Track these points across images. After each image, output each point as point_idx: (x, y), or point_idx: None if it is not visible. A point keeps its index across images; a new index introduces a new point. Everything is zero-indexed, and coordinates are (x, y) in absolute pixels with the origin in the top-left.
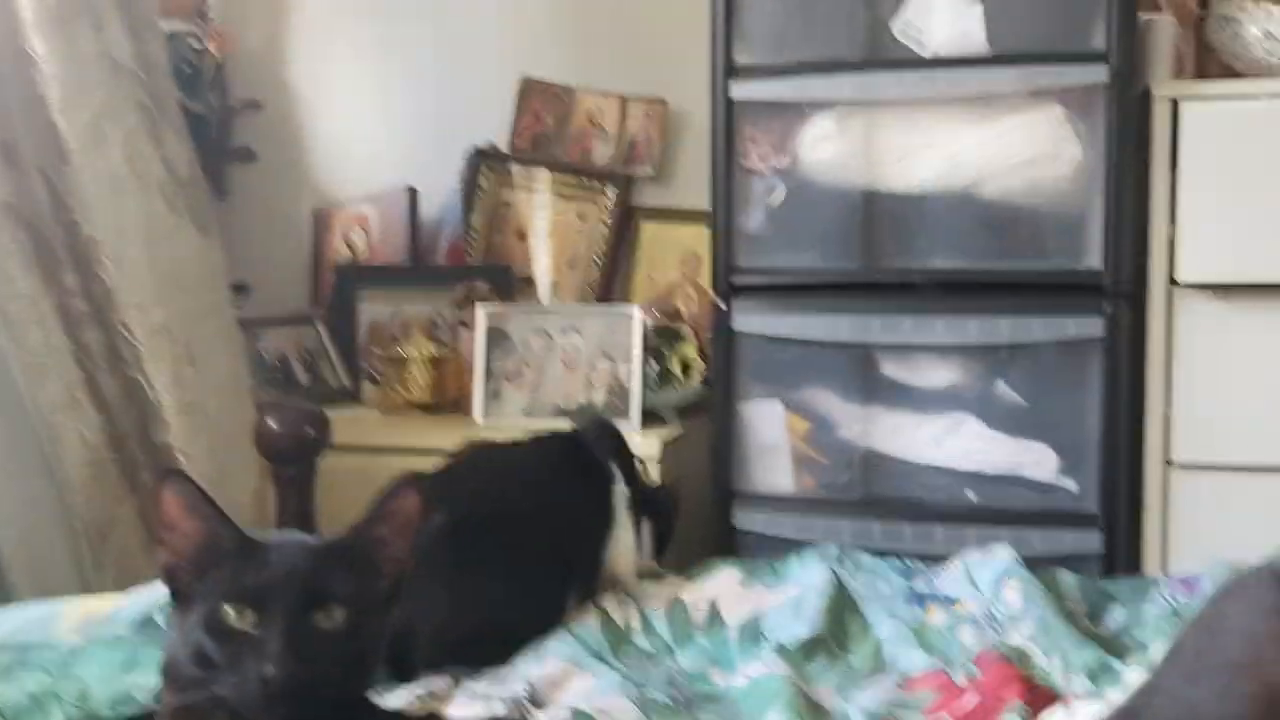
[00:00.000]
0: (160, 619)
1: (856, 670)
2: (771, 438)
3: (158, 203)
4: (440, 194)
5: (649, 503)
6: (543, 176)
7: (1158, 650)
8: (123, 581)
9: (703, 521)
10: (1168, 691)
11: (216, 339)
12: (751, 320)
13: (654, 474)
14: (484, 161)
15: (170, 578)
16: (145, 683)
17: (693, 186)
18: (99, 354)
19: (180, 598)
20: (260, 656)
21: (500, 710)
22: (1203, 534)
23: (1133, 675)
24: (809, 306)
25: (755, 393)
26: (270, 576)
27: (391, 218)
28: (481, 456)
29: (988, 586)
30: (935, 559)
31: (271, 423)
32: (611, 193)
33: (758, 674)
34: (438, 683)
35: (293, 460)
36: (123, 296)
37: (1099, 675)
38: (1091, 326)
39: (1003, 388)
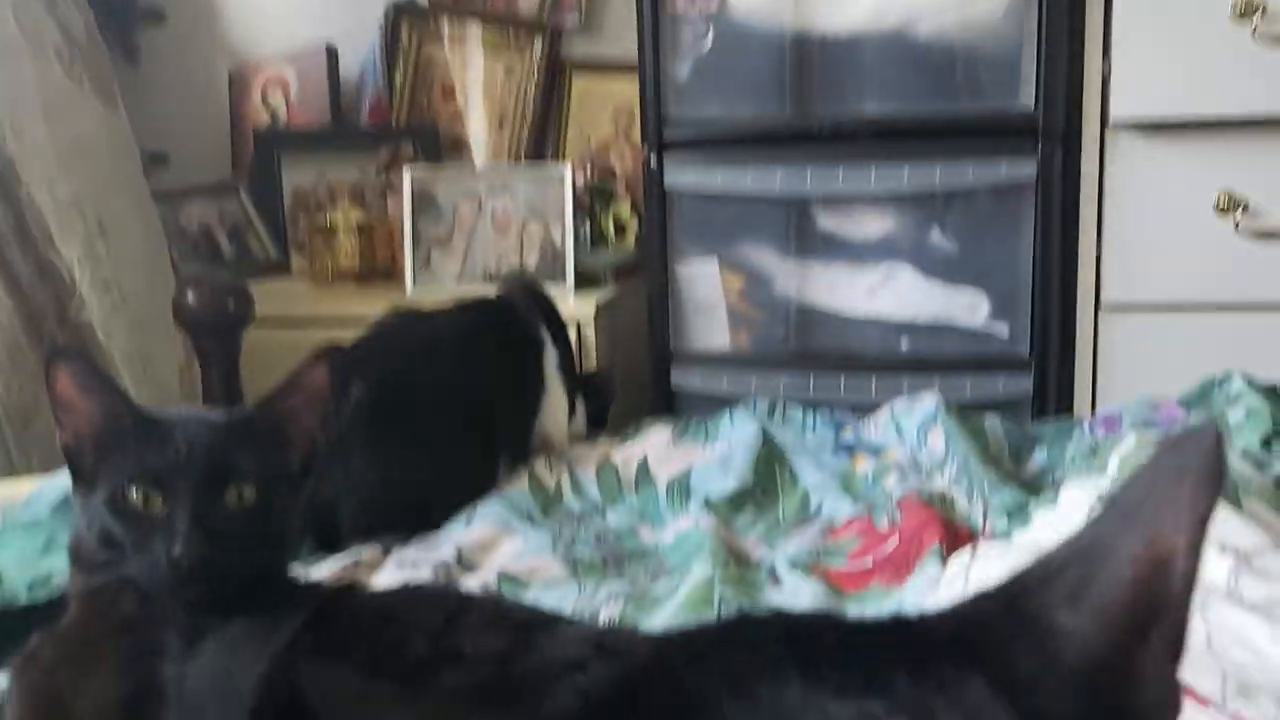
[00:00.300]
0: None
1: (783, 520)
2: (707, 296)
3: (54, 70)
4: (360, 51)
5: (587, 386)
6: (467, 29)
7: (1062, 490)
8: (49, 467)
9: (639, 383)
10: (1088, 525)
11: (130, 212)
12: (684, 176)
13: (589, 336)
14: (404, 15)
15: (71, 458)
16: (62, 566)
17: (624, 36)
18: (7, 231)
19: (83, 478)
20: (168, 538)
21: (427, 576)
22: (1132, 374)
23: (1039, 516)
24: (741, 159)
25: (690, 251)
26: (174, 455)
27: (311, 78)
28: (404, 324)
29: (913, 434)
30: (869, 410)
31: (190, 297)
32: (539, 45)
33: (685, 528)
34: (366, 551)
35: (214, 335)
36: (25, 170)
37: (1016, 515)
38: (1025, 168)
39: (936, 235)
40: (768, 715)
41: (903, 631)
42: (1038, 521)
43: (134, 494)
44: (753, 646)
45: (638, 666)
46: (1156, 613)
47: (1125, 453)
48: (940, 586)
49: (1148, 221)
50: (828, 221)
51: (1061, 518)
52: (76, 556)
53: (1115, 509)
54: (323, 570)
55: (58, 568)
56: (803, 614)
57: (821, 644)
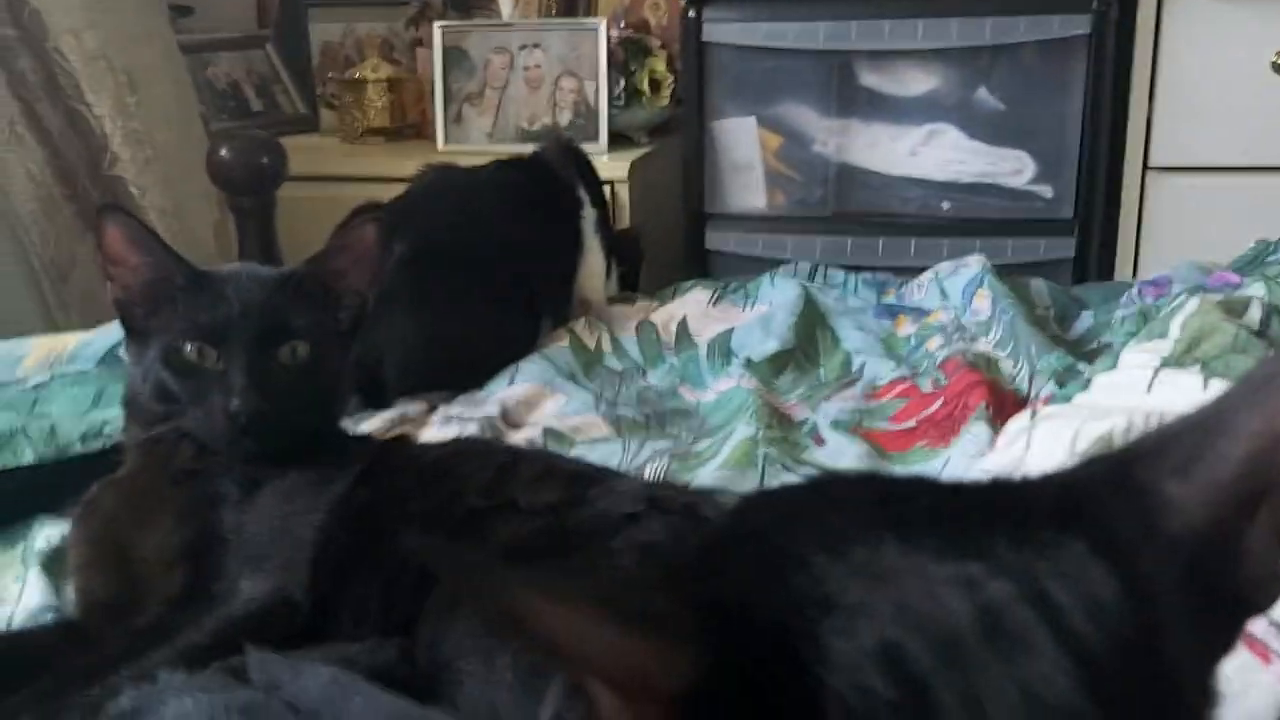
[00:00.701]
0: (124, 354)
1: (824, 382)
2: (744, 155)
3: None
4: None
5: (616, 247)
6: None
7: (1122, 354)
8: (89, 321)
9: (673, 244)
10: (1210, 400)
11: (159, 65)
12: (723, 29)
13: (622, 195)
14: None
15: (123, 313)
16: (113, 417)
17: None
18: (36, 84)
19: (135, 333)
20: (224, 393)
21: (473, 432)
22: (1176, 239)
23: (1100, 378)
24: (784, 12)
25: (727, 109)
26: (227, 312)
27: None
28: (443, 182)
29: (958, 296)
30: (908, 273)
31: (225, 153)
32: None
33: (726, 388)
34: (412, 407)
35: (249, 191)
36: (52, 21)
37: (1065, 379)
38: (1078, 25)
39: (983, 94)
40: (864, 575)
41: (1002, 495)
42: (1098, 384)
43: (189, 349)
44: (844, 507)
45: (718, 524)
46: (1266, 491)
47: (1188, 316)
48: (996, 449)
49: (1202, 82)
50: (871, 78)
51: (1123, 381)
52: (132, 409)
53: (1238, 387)
54: (370, 425)
55: (109, 419)
56: (895, 476)
57: (917, 506)
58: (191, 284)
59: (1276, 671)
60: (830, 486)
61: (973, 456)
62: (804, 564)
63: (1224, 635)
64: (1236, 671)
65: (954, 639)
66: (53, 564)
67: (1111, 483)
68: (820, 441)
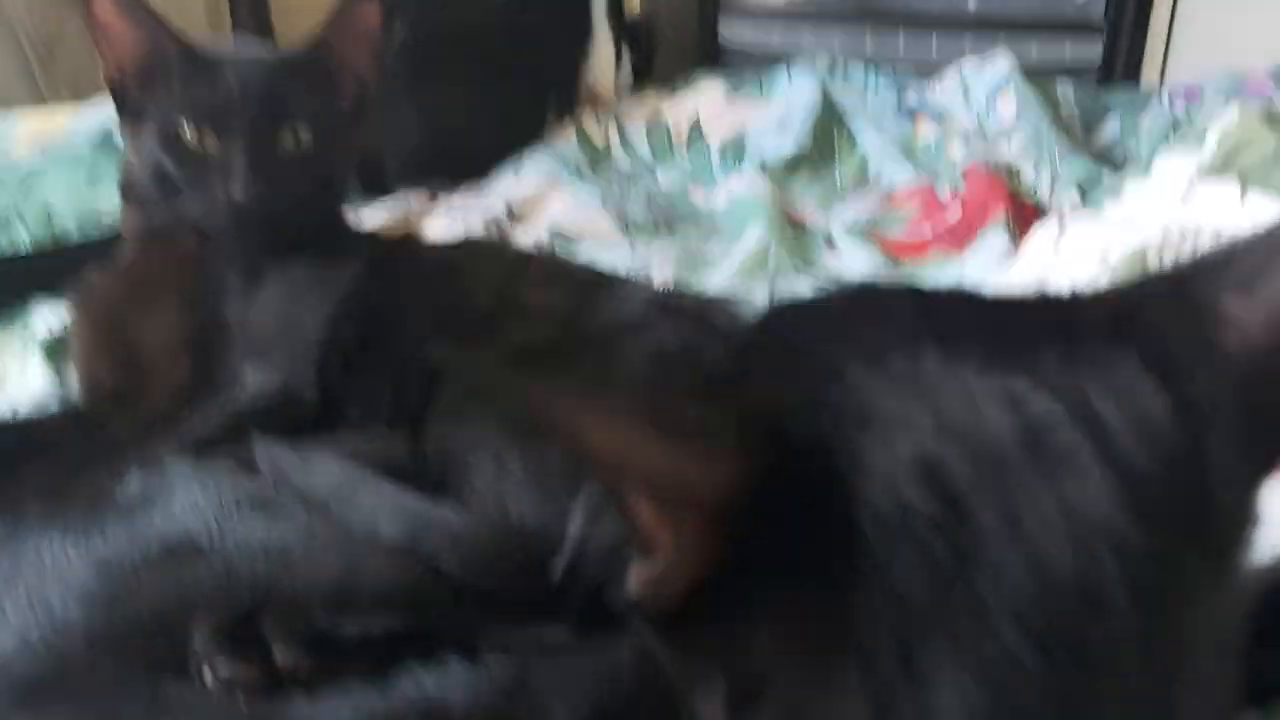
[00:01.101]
0: (119, 138)
1: (840, 187)
2: None
3: None
4: None
5: (626, 35)
6: None
7: (1156, 163)
8: (75, 91)
9: (685, 37)
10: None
11: None
12: None
13: None
14: None
15: (116, 91)
16: (109, 203)
17: None
18: None
19: (129, 113)
20: (225, 179)
21: (477, 227)
22: (1206, 46)
23: (1132, 188)
24: None
25: None
26: (227, 94)
27: None
28: None
29: (982, 98)
30: (929, 71)
31: None
32: None
33: (739, 192)
34: (414, 198)
35: None
36: None
37: (1089, 188)
38: None
39: None
40: (903, 387)
41: (1052, 308)
42: (1130, 193)
43: (187, 132)
44: (881, 317)
45: (745, 333)
46: None
47: (1227, 127)
48: (1021, 258)
49: None
50: None
51: (1157, 190)
52: (129, 193)
53: None
54: (371, 215)
55: (105, 203)
56: (936, 288)
57: (960, 317)
58: (187, 62)
59: None
60: (865, 296)
61: (992, 266)
62: (841, 375)
63: (1269, 456)
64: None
65: (995, 455)
66: (55, 351)
67: (1169, 298)
68: (833, 248)
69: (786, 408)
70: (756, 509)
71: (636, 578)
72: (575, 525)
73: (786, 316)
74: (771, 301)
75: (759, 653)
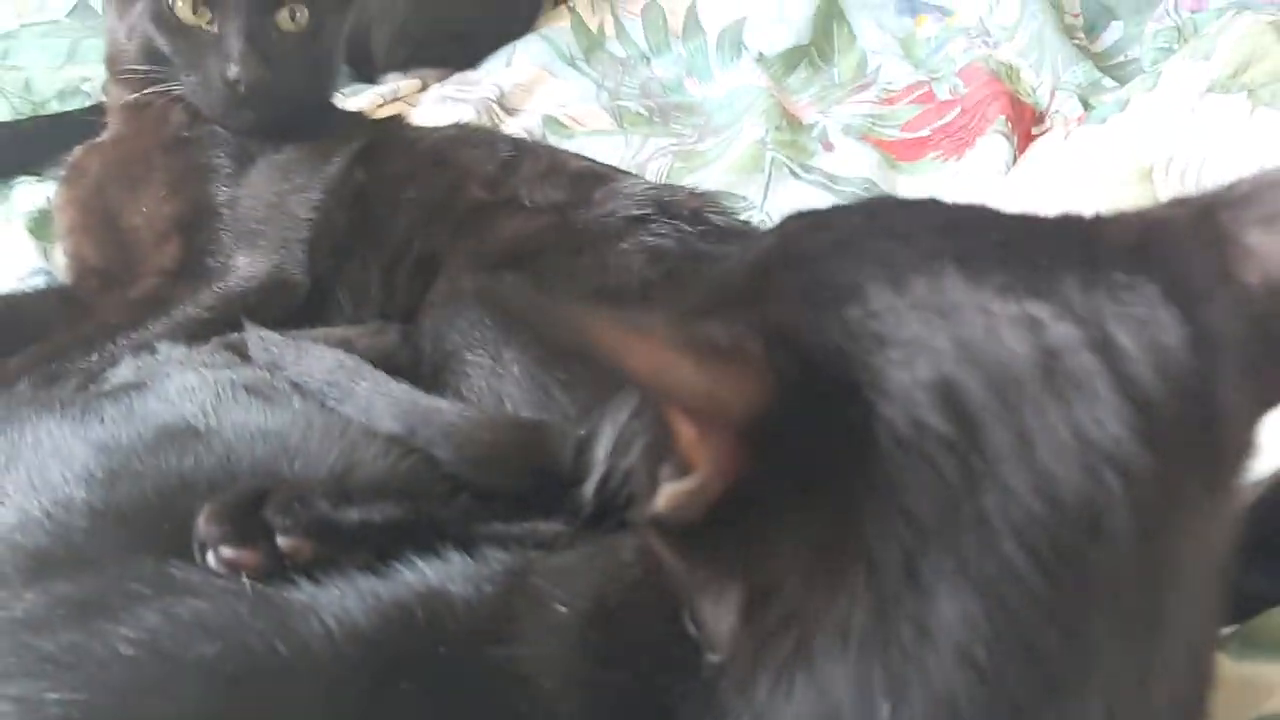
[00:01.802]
0: (98, 4)
1: (838, 83)
2: None
3: None
4: None
5: None
6: None
7: (1163, 73)
8: None
9: None
10: None
11: None
12: None
13: None
14: None
15: None
16: (90, 74)
17: None
18: None
19: None
20: (222, 56)
21: (469, 115)
22: None
23: (1139, 99)
24: None
25: None
26: None
27: None
28: None
29: None
30: None
31: None
32: None
33: (735, 84)
34: (404, 84)
35: None
36: None
37: (1089, 94)
38: None
39: None
40: (923, 308)
41: (1075, 231)
42: (1136, 105)
43: (181, 6)
44: (904, 235)
45: (764, 244)
46: None
47: (1239, 37)
48: (1022, 166)
49: None
50: None
51: (1164, 102)
52: (114, 69)
53: None
54: (360, 101)
55: (86, 76)
56: (957, 204)
57: (982, 238)
58: None
59: None
60: (888, 211)
61: (988, 172)
62: (862, 293)
63: (1275, 390)
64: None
65: (1012, 379)
66: (40, 227)
67: (1193, 227)
68: (829, 147)
69: (808, 325)
70: (782, 421)
71: (668, 495)
72: (603, 452)
73: (803, 227)
74: (766, 195)
75: (776, 562)
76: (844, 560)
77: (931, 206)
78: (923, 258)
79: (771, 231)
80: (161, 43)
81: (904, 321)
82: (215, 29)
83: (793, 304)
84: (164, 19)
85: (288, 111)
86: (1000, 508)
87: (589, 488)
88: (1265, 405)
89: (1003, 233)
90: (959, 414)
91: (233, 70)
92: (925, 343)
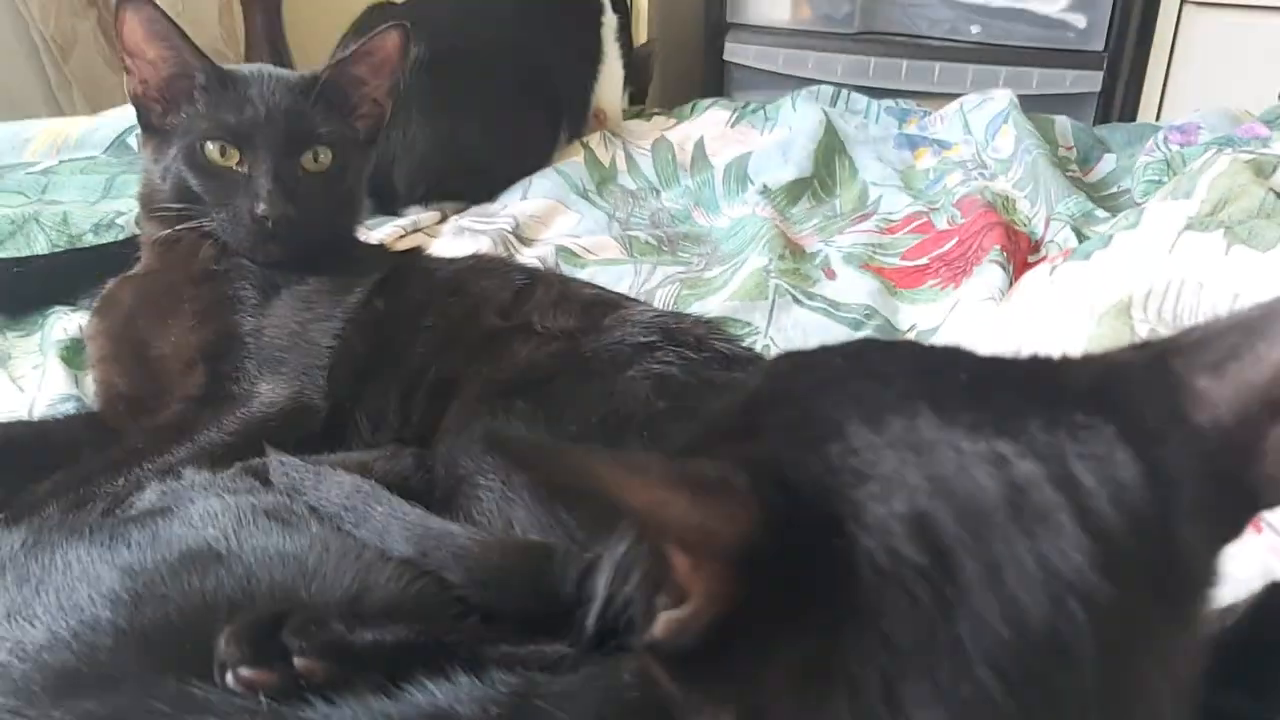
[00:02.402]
0: (134, 143)
1: (840, 213)
2: None
3: None
4: None
5: (628, 63)
6: None
7: (1146, 211)
8: (90, 99)
9: (691, 56)
10: (1263, 301)
11: None
12: None
13: (640, 3)
14: None
15: (140, 108)
16: (125, 209)
17: None
18: None
19: (153, 129)
20: (251, 195)
21: (486, 246)
22: (1205, 79)
23: (1121, 236)
24: None
25: None
26: (253, 114)
27: None
28: None
29: (981, 130)
30: (931, 99)
31: None
32: None
33: (741, 214)
34: (425, 216)
35: None
36: None
37: (1083, 225)
38: None
39: None
40: (900, 446)
41: (1040, 373)
42: (1119, 242)
43: (212, 149)
44: (882, 376)
45: (752, 381)
46: None
47: (1217, 175)
48: (1011, 300)
49: None
50: None
51: (1145, 239)
52: (148, 206)
53: None
54: (382, 233)
55: (120, 210)
56: (933, 346)
57: (954, 379)
58: (214, 82)
59: (1268, 541)
60: (869, 353)
61: (984, 300)
62: (842, 431)
63: (1232, 523)
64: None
65: (982, 513)
66: (72, 355)
67: (1148, 371)
68: (831, 275)
69: (792, 460)
70: (768, 554)
71: (664, 623)
72: (603, 582)
73: (791, 367)
74: (770, 320)
75: (765, 685)
76: (827, 683)
77: (909, 349)
78: (899, 398)
79: (761, 371)
80: (194, 182)
81: (881, 458)
82: (245, 170)
83: (779, 441)
84: (196, 161)
85: (312, 245)
86: (972, 634)
87: (590, 617)
88: (1222, 539)
89: (973, 374)
90: (932, 545)
91: (261, 207)
92: (901, 478)
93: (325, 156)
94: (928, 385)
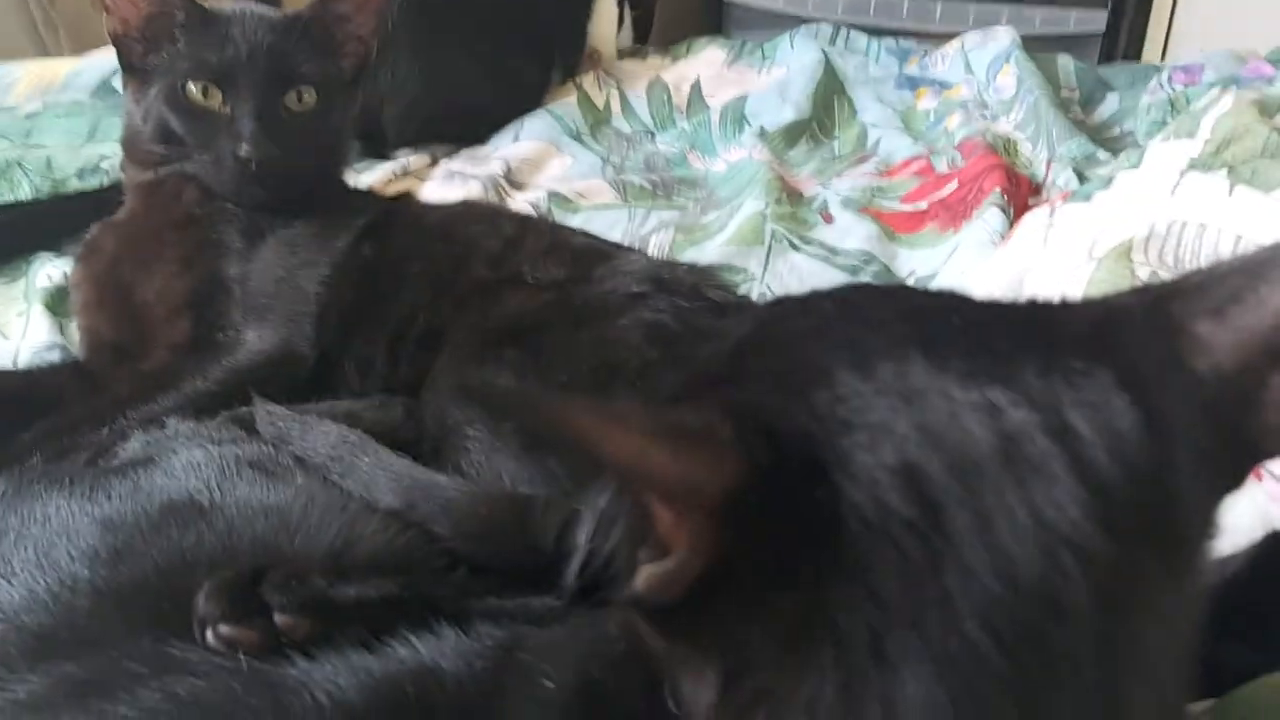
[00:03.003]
0: (118, 85)
1: (838, 156)
2: None
3: None
4: None
5: None
6: None
7: (1148, 152)
8: (76, 40)
9: None
10: (1266, 245)
11: None
12: None
13: None
14: None
15: (120, 48)
16: (109, 152)
17: None
18: None
19: (133, 70)
20: (233, 136)
21: (477, 190)
22: (1209, 22)
23: (1122, 176)
24: None
25: None
26: (235, 53)
27: None
28: None
29: (983, 70)
30: (931, 39)
31: None
32: None
33: (737, 158)
34: (415, 159)
35: None
36: None
37: (1084, 167)
38: None
39: None
40: (889, 394)
41: (1037, 318)
42: (1120, 182)
43: (194, 89)
44: (874, 322)
45: (744, 326)
46: None
47: (1220, 115)
48: (1010, 244)
49: None
50: None
51: (1147, 180)
52: (130, 149)
53: None
54: (372, 177)
55: (105, 154)
56: (928, 290)
57: (948, 325)
58: (195, 21)
59: (1268, 488)
60: (861, 298)
61: (984, 244)
62: (830, 379)
63: (1232, 474)
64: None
65: (973, 463)
66: (56, 302)
67: (1147, 316)
68: (829, 219)
69: (779, 408)
70: (754, 502)
71: (646, 577)
72: (584, 535)
73: (786, 315)
74: (767, 266)
75: (750, 640)
76: (813, 639)
77: (903, 294)
78: (890, 344)
79: (752, 316)
80: (176, 124)
81: (870, 406)
82: (227, 110)
83: (767, 387)
84: (178, 101)
85: (296, 188)
86: (962, 588)
87: (570, 572)
88: (1222, 489)
89: (968, 320)
90: (921, 497)
91: (244, 149)
92: (889, 427)
93: (309, 97)
94: (920, 331)
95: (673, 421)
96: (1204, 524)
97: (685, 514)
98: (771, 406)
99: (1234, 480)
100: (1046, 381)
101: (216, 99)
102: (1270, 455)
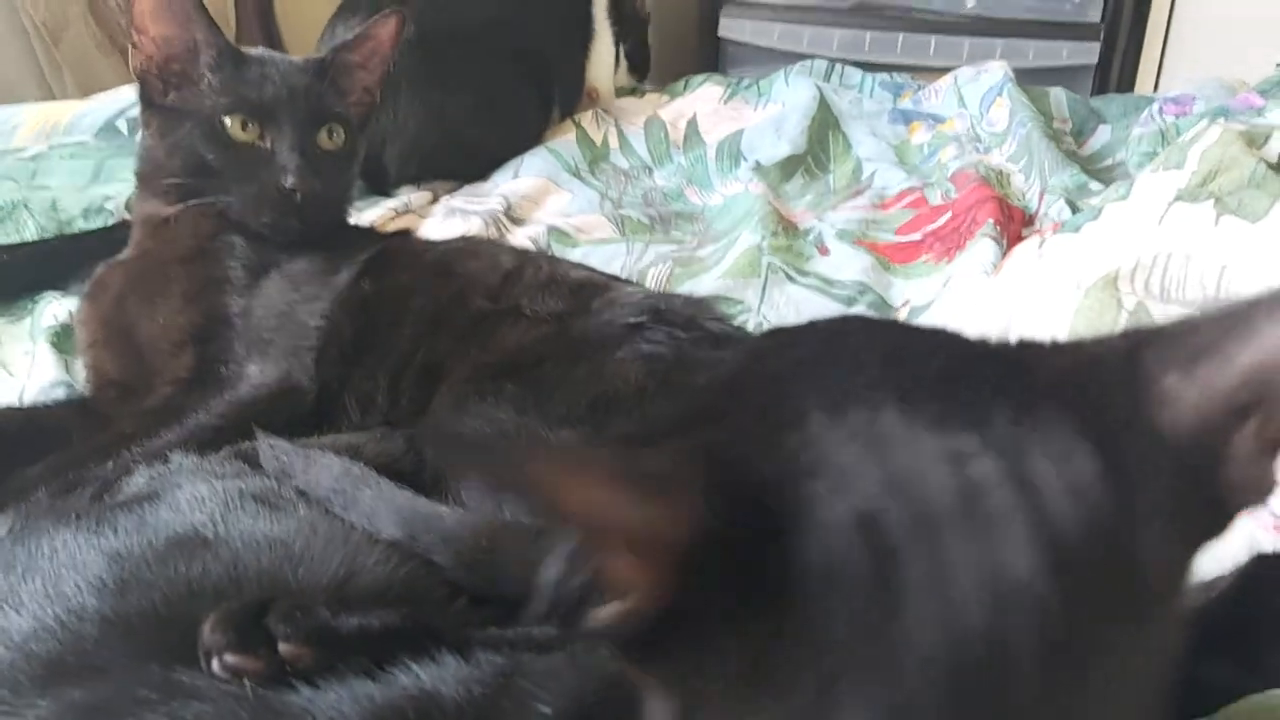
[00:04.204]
0: (124, 126)
1: (834, 189)
2: None
3: None
4: None
5: (620, 24)
6: None
7: (1136, 183)
8: (82, 83)
9: (686, 32)
10: (1245, 297)
11: None
12: None
13: None
14: None
15: (144, 84)
16: (113, 193)
17: None
18: None
19: (156, 105)
20: (276, 170)
21: (477, 226)
22: (1201, 54)
23: (1111, 208)
24: None
25: None
26: (274, 90)
27: None
28: None
29: (976, 104)
30: (926, 73)
31: None
32: None
33: (734, 192)
34: (416, 197)
35: None
36: None
37: (1076, 198)
38: None
39: None
40: (856, 440)
41: (1019, 361)
42: (1109, 214)
43: (231, 124)
44: (854, 363)
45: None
46: (1262, 402)
47: (1207, 146)
48: (1000, 274)
49: None
50: None
51: (1135, 211)
52: (150, 183)
53: (1270, 292)
54: (373, 214)
55: (109, 195)
56: (916, 328)
57: (927, 367)
58: (227, 59)
59: (1258, 518)
60: (847, 334)
61: (977, 275)
62: (803, 421)
63: (1208, 524)
64: None
65: (931, 514)
66: (62, 340)
67: (1121, 364)
68: (825, 251)
69: (748, 454)
70: (714, 550)
71: (606, 613)
72: (552, 573)
73: (773, 346)
74: (763, 298)
75: (704, 677)
76: (763, 682)
77: (890, 331)
78: (866, 387)
79: (746, 347)
80: (211, 158)
81: (837, 452)
82: (266, 144)
83: (743, 426)
84: (215, 135)
85: (328, 221)
86: (911, 640)
87: (533, 611)
88: (1196, 539)
89: (948, 361)
90: (878, 547)
91: (290, 180)
92: (854, 474)
93: (339, 135)
94: (898, 373)
95: (638, 468)
96: (1175, 573)
97: (643, 560)
98: (743, 448)
99: (1211, 530)
100: (1016, 429)
101: (254, 133)
102: (1240, 509)
